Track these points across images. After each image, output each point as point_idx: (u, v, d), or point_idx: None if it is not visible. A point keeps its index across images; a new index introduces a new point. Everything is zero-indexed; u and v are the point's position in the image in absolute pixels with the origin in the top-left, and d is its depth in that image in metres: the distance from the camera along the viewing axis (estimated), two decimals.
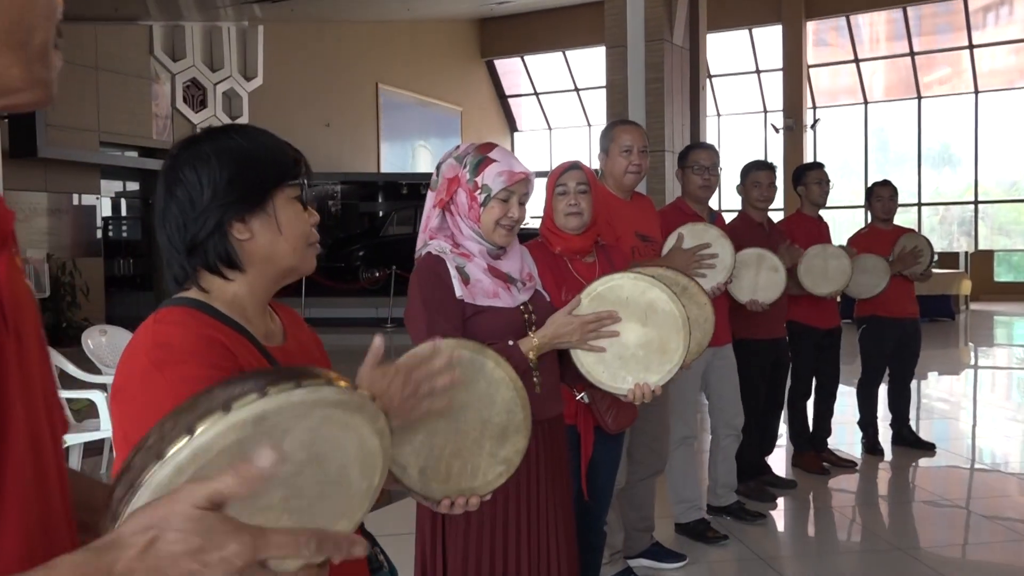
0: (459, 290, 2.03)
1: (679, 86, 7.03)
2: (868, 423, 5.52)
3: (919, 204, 19.55)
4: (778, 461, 5.13)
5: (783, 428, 5.00)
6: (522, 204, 2.10)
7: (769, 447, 4.83)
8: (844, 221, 19.32)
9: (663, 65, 6.79)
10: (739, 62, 21.35)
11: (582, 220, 2.61)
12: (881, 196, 5.43)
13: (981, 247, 19.22)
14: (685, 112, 7.20)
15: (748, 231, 4.31)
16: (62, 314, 11.27)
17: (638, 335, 2.04)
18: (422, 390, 1.27)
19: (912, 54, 19.57)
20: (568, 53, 22.46)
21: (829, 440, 5.25)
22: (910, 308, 5.45)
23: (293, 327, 1.44)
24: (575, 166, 2.66)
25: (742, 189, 4.49)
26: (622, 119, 3.47)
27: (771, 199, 4.46)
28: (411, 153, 20.62)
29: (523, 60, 23.36)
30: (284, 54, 15.80)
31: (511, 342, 2.03)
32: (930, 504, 4.60)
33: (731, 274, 3.47)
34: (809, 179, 5.00)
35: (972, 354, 11.46)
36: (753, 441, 4.55)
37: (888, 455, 5.43)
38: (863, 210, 20.05)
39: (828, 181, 5.01)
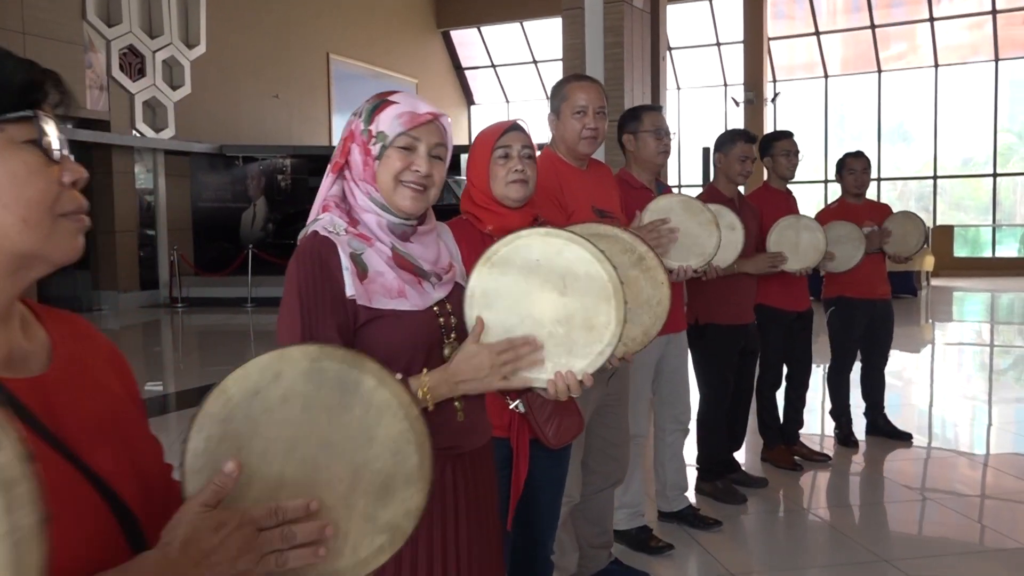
0: (351, 287, 1.57)
1: (639, 52, 6.63)
2: (840, 412, 5.20)
3: (879, 179, 19.42)
4: (738, 457, 4.78)
5: (751, 420, 4.65)
6: (438, 159, 1.65)
7: (738, 442, 4.49)
8: (803, 197, 19.16)
9: (622, 28, 6.37)
10: (699, 34, 21.05)
11: (527, 190, 2.22)
12: (854, 168, 5.08)
13: (939, 222, 19.18)
14: (646, 80, 6.81)
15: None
16: None
17: (555, 308, 1.60)
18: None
19: (872, 27, 19.38)
20: (526, 24, 21.96)
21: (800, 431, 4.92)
22: (881, 288, 5.13)
23: (71, 343, 0.99)
24: (516, 127, 2.25)
25: (722, 159, 4.11)
26: (576, 74, 3.04)
27: (751, 174, 4.10)
28: None
29: (480, 31, 22.82)
30: (229, 21, 15.11)
31: (398, 376, 1.49)
32: (911, 503, 4.27)
33: (707, 264, 3.11)
34: (776, 150, 4.62)
35: (933, 332, 11.29)
36: (720, 436, 4.21)
37: (862, 446, 5.11)
38: (822, 185, 19.99)
39: (797, 152, 4.64)
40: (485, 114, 23.96)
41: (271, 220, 16.10)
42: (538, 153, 2.44)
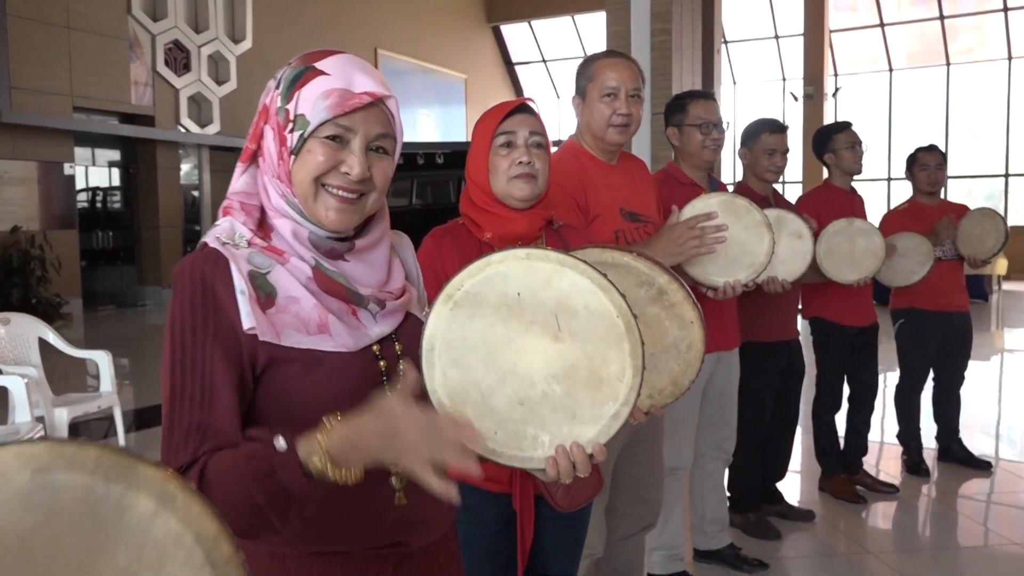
0: (248, 317, 1.14)
1: (689, 41, 6.18)
2: (909, 436, 4.68)
3: (946, 177, 18.57)
4: (792, 487, 4.33)
5: (798, 447, 4.17)
6: (381, 153, 1.22)
7: (779, 472, 4.01)
8: (866, 196, 18.39)
9: (671, 15, 5.94)
10: (757, 27, 20.38)
11: (535, 187, 1.85)
12: (926, 164, 4.55)
13: (1011, 223, 18.26)
14: (696, 71, 6.36)
15: None
16: (31, 289, 10.59)
17: (548, 359, 1.21)
18: None
19: (941, 18, 18.53)
20: (577, 18, 21.50)
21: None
22: (959, 299, 4.60)
23: None
24: (524, 108, 1.88)
25: (747, 154, 3.65)
26: (607, 50, 2.62)
27: (783, 168, 3.61)
28: (413, 122, 19.78)
29: (530, 25, 22.42)
30: (275, 16, 14.96)
31: (280, 441, 1.04)
32: (993, 548, 3.75)
33: (759, 277, 2.62)
34: (839, 142, 4.10)
35: (1004, 339, 10.59)
36: (753, 464, 3.76)
37: (933, 474, 4.60)
38: (885, 183, 19.21)
39: (861, 143, 4.13)
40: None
41: None
42: (554, 148, 2.07)
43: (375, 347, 1.24)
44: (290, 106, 1.19)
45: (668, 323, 1.62)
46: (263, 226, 1.23)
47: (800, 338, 3.87)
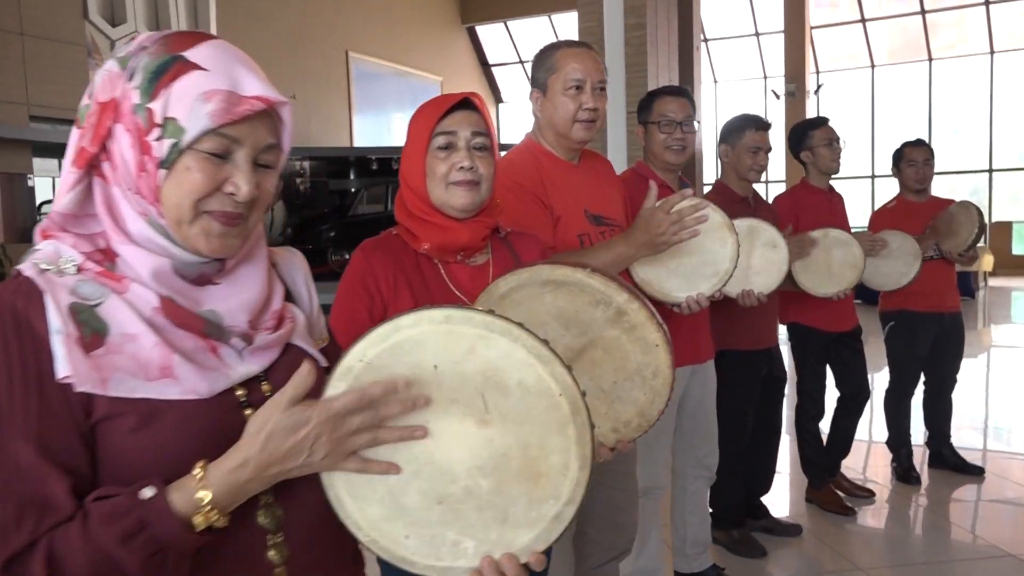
0: (64, 362, 0.91)
1: (665, 35, 5.84)
2: (899, 443, 4.46)
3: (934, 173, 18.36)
4: (779, 498, 4.07)
5: (785, 456, 3.94)
6: (266, 169, 1.02)
7: (763, 485, 3.77)
8: (848, 194, 18.18)
9: (645, 9, 5.57)
10: (737, 25, 20.13)
11: (478, 195, 1.64)
12: (914, 160, 4.31)
13: (996, 219, 18.06)
14: (673, 67, 6.01)
15: (728, 208, 3.22)
16: None
17: (473, 448, 1.00)
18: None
19: (923, 12, 18.32)
20: (554, 17, 21.16)
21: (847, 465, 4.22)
22: (951, 299, 4.37)
23: None
24: (465, 103, 1.64)
25: (728, 152, 3.38)
26: (568, 40, 2.36)
27: (765, 167, 3.36)
28: (388, 126, 19.41)
29: (506, 25, 22.09)
30: (241, 19, 14.55)
31: (146, 492, 0.89)
32: (989, 561, 3.45)
33: (726, 285, 2.32)
34: (815, 139, 3.86)
35: (991, 336, 10.31)
36: (735, 478, 3.51)
37: (924, 480, 4.39)
38: (868, 181, 18.98)
39: (838, 139, 3.88)
40: (514, 112, 23.27)
41: (289, 225, 15.50)
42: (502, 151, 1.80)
43: (239, 391, 1.03)
44: (155, 106, 0.96)
45: (630, 347, 1.44)
46: (98, 249, 1.00)
47: (780, 344, 3.64)
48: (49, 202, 12.78)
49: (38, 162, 11.71)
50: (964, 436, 5.20)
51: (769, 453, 3.73)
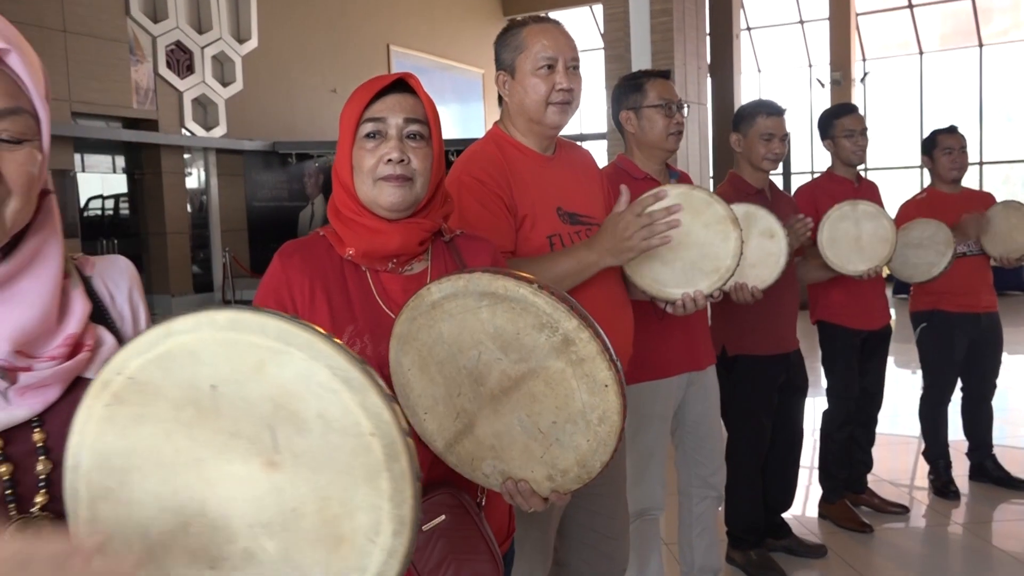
0: None
1: (693, 21, 5.72)
2: (937, 454, 4.19)
3: (980, 163, 17.86)
4: (803, 514, 3.88)
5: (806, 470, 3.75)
6: (11, 143, 0.86)
7: (784, 501, 3.53)
8: (897, 186, 17.76)
9: None
10: (781, 12, 19.77)
11: (410, 192, 1.44)
12: (949, 147, 4.04)
13: None
14: (701, 53, 5.89)
15: (742, 201, 3.07)
16: None
17: (257, 498, 0.80)
18: None
19: None
20: (595, 8, 21.00)
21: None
22: (986, 298, 4.12)
23: None
24: (399, 85, 1.47)
25: (741, 141, 3.20)
26: (533, 15, 2.18)
27: (781, 157, 3.17)
28: None
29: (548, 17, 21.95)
30: (282, 14, 14.64)
31: None
32: None
33: (726, 284, 2.11)
34: (837, 129, 3.67)
35: None
36: (753, 494, 3.31)
37: (964, 496, 4.12)
38: (918, 171, 18.50)
39: (864, 131, 3.66)
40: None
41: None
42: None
43: None
44: None
45: (576, 384, 1.23)
46: None
47: (802, 347, 3.41)
48: (97, 198, 13.05)
49: (81, 158, 11.96)
50: (1008, 435, 4.99)
51: (789, 467, 3.47)
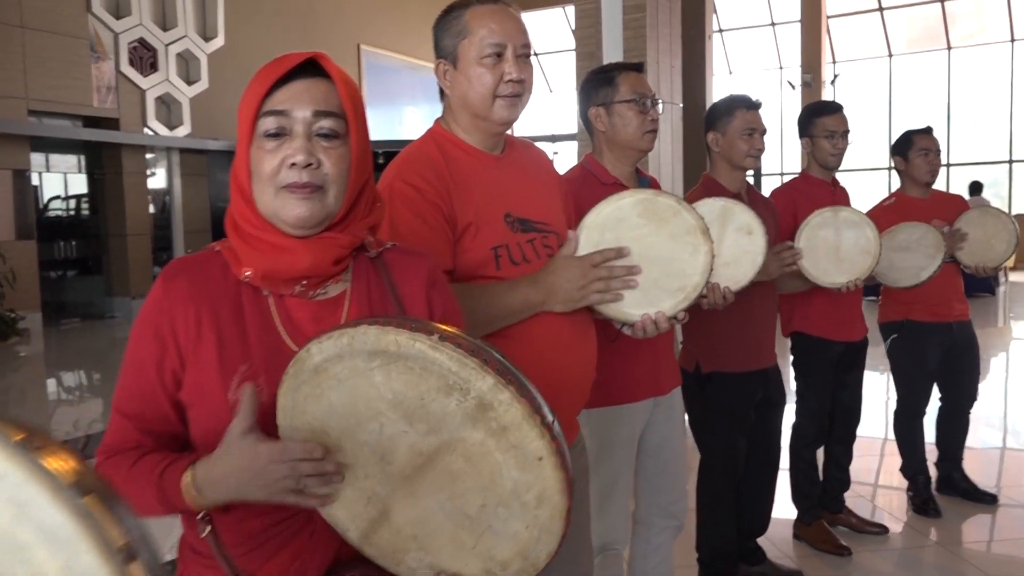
0: None
1: (667, 19, 5.61)
2: (915, 469, 4.01)
3: (948, 165, 17.97)
4: (778, 536, 3.68)
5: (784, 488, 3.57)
6: None
7: (759, 525, 3.31)
8: (863, 188, 17.80)
9: None
10: (752, 15, 19.80)
11: (321, 205, 1.21)
12: (926, 149, 3.83)
13: (1016, 211, 17.64)
14: (675, 52, 5.77)
15: None
16: None
17: None
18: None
19: (942, 0, 17.90)
20: (568, 9, 20.90)
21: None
22: (958, 307, 3.95)
23: None
24: (309, 67, 1.22)
25: (719, 140, 2.95)
26: None
27: (762, 152, 2.95)
28: (399, 119, 19.23)
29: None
30: (250, 12, 14.38)
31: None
32: None
33: (691, 303, 1.85)
34: (817, 128, 3.44)
35: (1011, 333, 10.00)
36: (726, 518, 3.10)
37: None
38: (886, 173, 18.58)
39: (845, 134, 3.44)
40: (528, 105, 22.91)
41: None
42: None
43: None
44: None
45: (502, 458, 1.02)
46: None
47: (779, 361, 3.23)
48: (57, 198, 12.71)
49: (38, 157, 11.63)
50: (982, 434, 4.96)
51: (765, 488, 3.21)
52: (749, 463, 3.07)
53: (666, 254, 1.80)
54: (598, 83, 2.47)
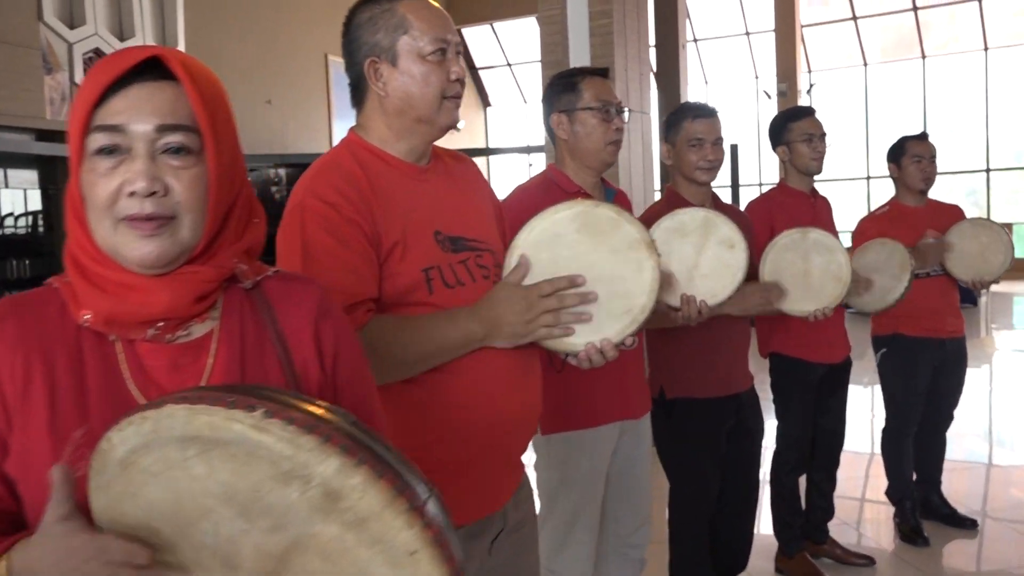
0: None
1: (635, 24, 5.32)
2: (902, 493, 3.80)
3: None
4: (761, 568, 3.45)
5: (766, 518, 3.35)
6: None
7: (737, 560, 3.04)
8: (842, 197, 17.67)
9: None
10: (726, 24, 19.66)
11: (171, 242, 0.99)
12: (920, 156, 3.67)
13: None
14: (644, 59, 5.49)
15: None
16: None
17: None
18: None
19: (915, 9, 17.84)
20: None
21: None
22: (952, 322, 3.74)
23: None
24: (152, 71, 0.97)
25: (670, 152, 2.76)
26: None
27: (717, 165, 2.71)
28: None
29: (492, 27, 21.61)
30: (211, 20, 14.03)
31: None
32: None
33: (640, 326, 1.62)
34: (793, 134, 3.25)
35: (994, 344, 9.80)
36: (700, 554, 2.84)
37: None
38: (864, 183, 18.47)
39: (823, 136, 3.25)
40: (502, 116, 22.75)
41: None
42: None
43: None
44: None
45: (366, 553, 0.82)
46: None
47: (756, 383, 2.98)
48: (10, 215, 12.26)
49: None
50: (968, 444, 4.89)
51: (743, 522, 2.99)
52: (725, 495, 2.82)
53: (608, 273, 1.57)
54: (561, 88, 2.32)
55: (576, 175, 2.31)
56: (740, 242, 2.28)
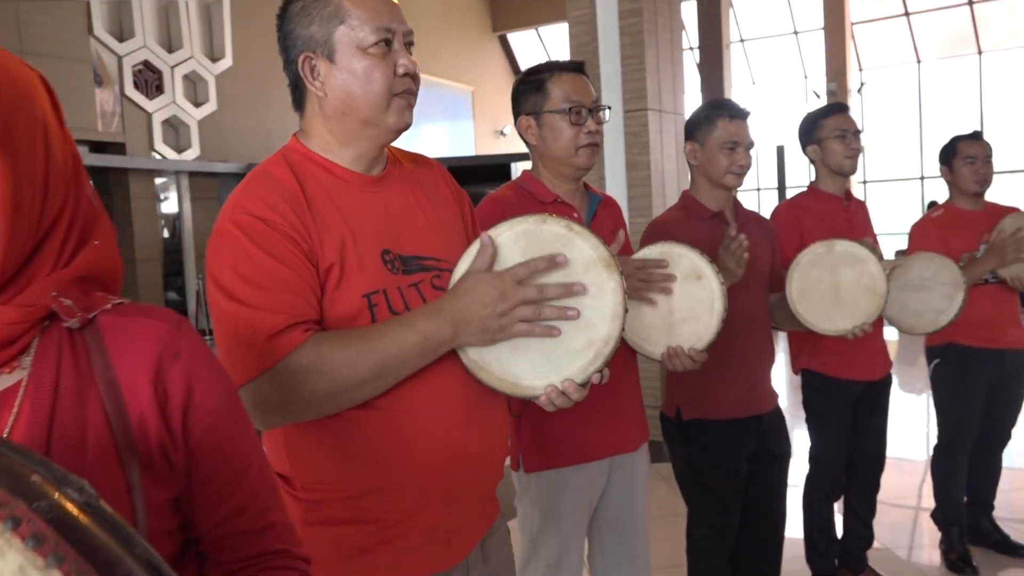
0: None
1: (666, 23, 5.22)
2: (951, 518, 3.54)
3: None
4: None
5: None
6: None
7: None
8: (896, 199, 17.26)
9: None
10: (774, 24, 19.36)
11: None
12: (972, 157, 3.43)
13: None
14: (675, 59, 5.37)
15: (693, 229, 2.49)
16: None
17: None
18: None
19: (971, 3, 17.35)
20: (549, 28, 20.60)
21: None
22: (1013, 332, 3.47)
23: None
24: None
25: (697, 152, 2.57)
26: None
27: (746, 170, 2.53)
28: (416, 138, 18.99)
29: (538, 32, 21.55)
30: (258, 32, 14.15)
31: None
32: None
33: (606, 361, 1.38)
34: (825, 130, 3.06)
35: None
36: None
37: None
38: (918, 183, 18.01)
39: (857, 133, 3.05)
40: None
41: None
42: None
43: None
44: None
45: None
46: None
47: (787, 401, 2.83)
48: None
49: None
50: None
51: (770, 553, 2.73)
52: (749, 526, 2.62)
53: (595, 303, 1.35)
54: (527, 88, 2.10)
55: (552, 183, 2.12)
56: (707, 269, 2.05)
